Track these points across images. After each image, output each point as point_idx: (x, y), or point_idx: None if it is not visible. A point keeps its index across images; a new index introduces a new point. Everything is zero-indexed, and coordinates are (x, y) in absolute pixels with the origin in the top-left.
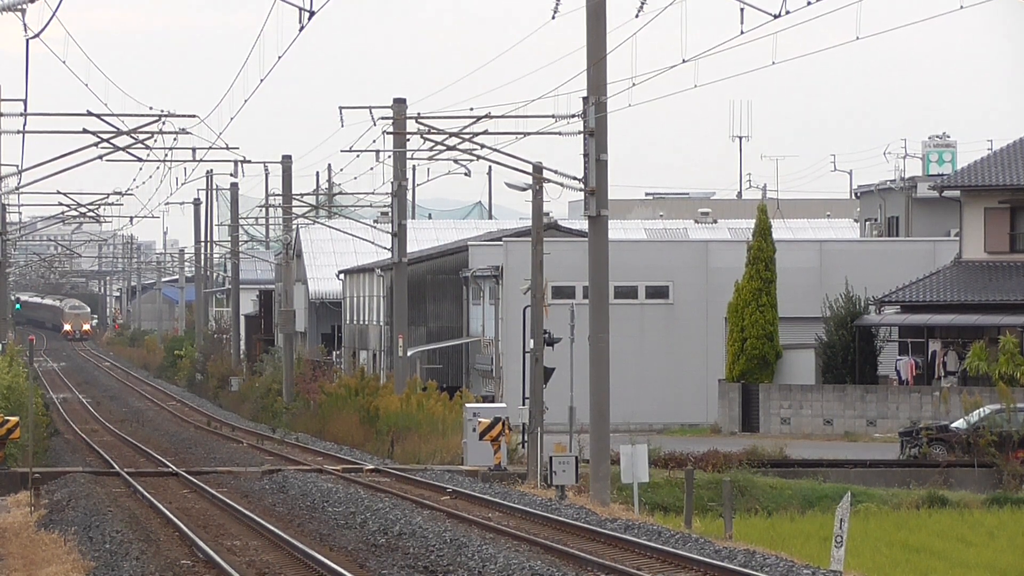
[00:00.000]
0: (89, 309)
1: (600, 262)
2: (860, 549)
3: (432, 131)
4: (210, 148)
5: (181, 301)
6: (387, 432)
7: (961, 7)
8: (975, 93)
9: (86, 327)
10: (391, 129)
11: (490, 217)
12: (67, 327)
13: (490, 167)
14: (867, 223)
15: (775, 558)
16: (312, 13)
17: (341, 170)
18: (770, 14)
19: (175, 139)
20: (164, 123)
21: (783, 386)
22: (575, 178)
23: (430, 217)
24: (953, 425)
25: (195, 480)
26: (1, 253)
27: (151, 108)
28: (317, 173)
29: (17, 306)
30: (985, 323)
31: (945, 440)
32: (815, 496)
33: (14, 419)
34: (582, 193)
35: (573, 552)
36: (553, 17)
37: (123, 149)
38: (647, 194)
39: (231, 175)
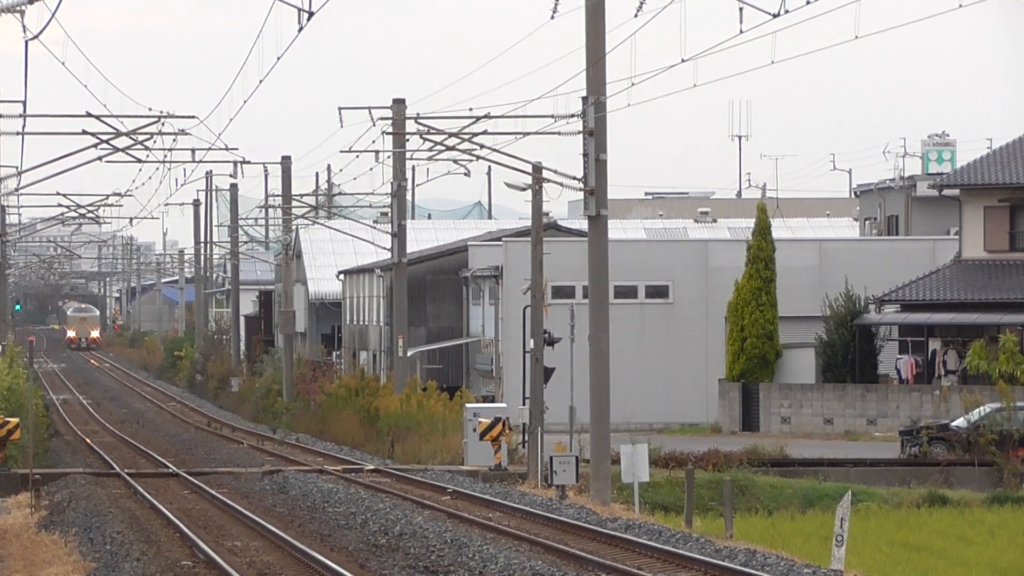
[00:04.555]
0: (97, 313)
1: (600, 262)
2: (861, 548)
3: (431, 131)
4: (209, 149)
5: (181, 302)
6: (387, 432)
7: (960, 5)
8: (975, 92)
9: (94, 334)
10: (390, 129)
11: (490, 217)
12: (71, 333)
13: (490, 167)
14: (867, 222)
15: (776, 557)
16: (311, 14)
17: (340, 170)
18: (769, 13)
19: (174, 140)
20: (163, 124)
21: (783, 385)
22: (575, 178)
23: (430, 217)
24: (953, 424)
25: (195, 481)
26: (1, 255)
27: (150, 109)
28: (316, 174)
29: (17, 307)
30: (985, 322)
31: (945, 439)
32: (816, 495)
33: (14, 420)
34: (582, 193)
35: (574, 552)
36: (552, 17)
37: (122, 150)
38: (647, 194)
39: (230, 176)
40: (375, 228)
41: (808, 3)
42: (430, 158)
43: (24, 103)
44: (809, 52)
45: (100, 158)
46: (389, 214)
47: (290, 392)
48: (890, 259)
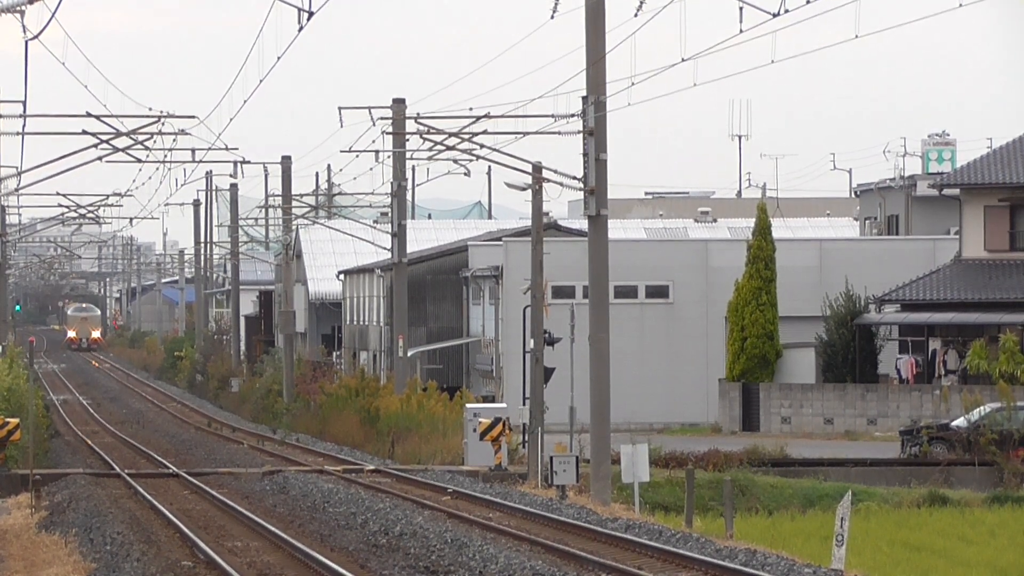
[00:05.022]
0: (99, 312)
1: (600, 262)
2: (861, 548)
3: (431, 131)
4: (209, 149)
5: (181, 302)
6: (387, 433)
7: (960, 4)
8: (975, 92)
9: (95, 334)
10: (390, 129)
11: (490, 217)
12: (71, 333)
13: (490, 167)
14: (867, 222)
15: (776, 557)
16: (311, 13)
17: (340, 170)
18: (769, 13)
19: (174, 140)
20: (163, 124)
21: (783, 385)
22: (575, 178)
23: (430, 217)
24: (954, 424)
25: (196, 481)
26: (1, 255)
27: (150, 109)
28: (316, 173)
29: (17, 307)
30: (985, 321)
31: (946, 439)
32: (816, 495)
33: (14, 421)
34: (582, 193)
35: (574, 552)
36: (552, 17)
37: (122, 150)
38: (647, 193)
39: (230, 176)
40: (375, 228)
41: (808, 3)
42: (430, 158)
43: (24, 103)
44: (809, 52)
45: (100, 158)
46: (389, 214)
47: (290, 392)
48: (890, 259)
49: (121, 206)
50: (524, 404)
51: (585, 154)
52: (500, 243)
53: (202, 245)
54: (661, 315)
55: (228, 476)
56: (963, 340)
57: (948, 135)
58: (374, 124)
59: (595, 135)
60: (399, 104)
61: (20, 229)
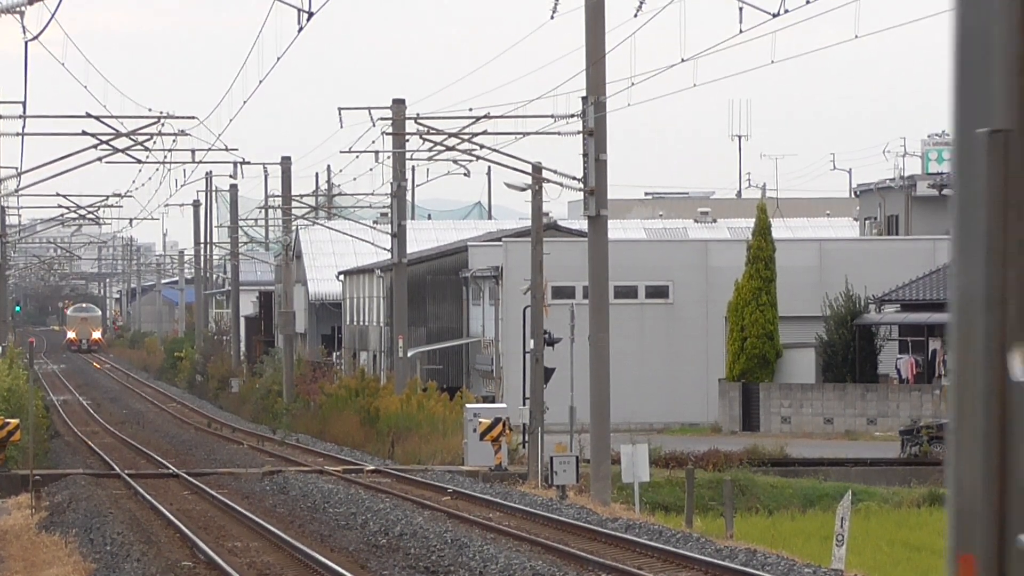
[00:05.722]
0: (100, 313)
1: (600, 262)
2: (861, 548)
3: (431, 131)
4: (209, 149)
5: (181, 303)
6: (388, 433)
7: None
8: None
9: (95, 335)
10: (390, 130)
11: (490, 217)
12: (71, 334)
13: (489, 167)
14: (867, 222)
15: (776, 557)
16: (311, 14)
17: (340, 171)
18: (769, 13)
19: (174, 141)
20: (163, 125)
21: (783, 385)
22: (575, 178)
23: (429, 217)
24: None
25: (196, 481)
26: (1, 256)
27: (150, 110)
28: (316, 174)
29: (17, 308)
30: None
31: (945, 438)
32: (816, 495)
33: (14, 421)
34: (582, 193)
35: (574, 552)
36: (552, 17)
37: (122, 151)
38: (646, 194)
39: (230, 176)
40: (375, 228)
41: (808, 3)
42: (430, 158)
43: (24, 104)
44: (809, 52)
45: (100, 159)
46: (389, 214)
47: (290, 393)
48: (890, 259)
49: (121, 207)
50: (524, 404)
51: (585, 154)
52: (500, 243)
53: (202, 246)
54: (661, 315)
55: (228, 476)
56: None
57: (948, 135)
58: (374, 125)
59: (595, 135)
60: (399, 104)
61: (20, 230)
